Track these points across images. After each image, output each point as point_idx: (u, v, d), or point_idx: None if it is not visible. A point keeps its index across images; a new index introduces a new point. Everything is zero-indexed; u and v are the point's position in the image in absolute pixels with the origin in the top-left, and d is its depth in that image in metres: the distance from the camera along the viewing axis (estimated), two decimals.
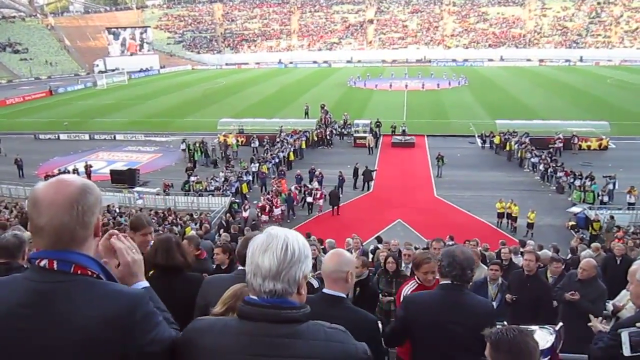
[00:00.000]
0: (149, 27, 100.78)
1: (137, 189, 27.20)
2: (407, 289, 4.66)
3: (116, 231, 1.99)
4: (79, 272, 1.68)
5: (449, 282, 3.35)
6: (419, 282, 4.56)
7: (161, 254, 3.51)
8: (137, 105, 52.38)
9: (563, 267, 7.63)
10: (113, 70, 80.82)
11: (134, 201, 25.48)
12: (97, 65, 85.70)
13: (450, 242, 12.93)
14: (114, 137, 39.28)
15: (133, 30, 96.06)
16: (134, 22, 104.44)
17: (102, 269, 1.77)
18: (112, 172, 28.96)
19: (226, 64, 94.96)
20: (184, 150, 32.90)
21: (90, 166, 29.49)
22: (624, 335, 1.61)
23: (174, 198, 25.43)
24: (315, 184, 24.90)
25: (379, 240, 14.93)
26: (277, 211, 22.73)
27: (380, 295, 6.57)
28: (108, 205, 22.66)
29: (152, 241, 4.50)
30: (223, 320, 1.85)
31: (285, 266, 1.72)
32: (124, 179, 28.10)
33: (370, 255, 11.79)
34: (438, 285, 3.46)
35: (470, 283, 4.46)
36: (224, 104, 51.04)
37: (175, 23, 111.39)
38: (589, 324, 3.60)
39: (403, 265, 7.97)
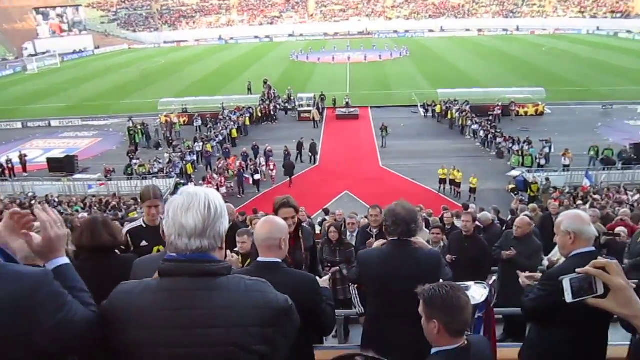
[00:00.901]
0: (81, 5, 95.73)
1: (77, 176, 26.21)
2: None
3: (18, 209, 1.88)
4: None
5: (396, 238, 3.39)
6: None
7: (87, 235, 3.38)
8: (72, 89, 49.97)
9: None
10: (44, 53, 76.53)
11: (74, 190, 24.55)
12: (26, 49, 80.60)
13: None
14: (49, 123, 37.39)
15: (64, 10, 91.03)
16: (64, 1, 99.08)
17: None
18: (49, 160, 27.50)
19: (164, 42, 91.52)
20: (130, 127, 31.72)
21: (25, 155, 27.89)
22: (566, 282, 1.64)
23: (117, 183, 24.68)
24: (262, 161, 24.79)
25: (326, 212, 15.03)
26: (222, 190, 22.46)
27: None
28: (46, 196, 21.77)
29: (160, 215, 4.34)
30: (145, 281, 1.84)
31: (211, 222, 1.76)
32: (62, 166, 26.85)
33: (318, 228, 11.87)
34: (387, 242, 3.50)
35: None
36: (164, 83, 49.52)
37: (109, 0, 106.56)
38: (519, 279, 3.71)
39: (348, 234, 8.03)
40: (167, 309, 1.70)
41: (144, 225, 4.37)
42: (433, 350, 2.37)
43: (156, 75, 55.47)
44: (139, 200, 20.68)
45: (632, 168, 23.49)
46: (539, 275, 3.67)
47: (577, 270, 1.64)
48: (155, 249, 4.11)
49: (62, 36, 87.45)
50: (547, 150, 25.15)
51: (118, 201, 21.14)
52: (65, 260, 1.87)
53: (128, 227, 4.50)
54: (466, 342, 2.34)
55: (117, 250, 3.69)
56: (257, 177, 23.64)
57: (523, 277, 3.61)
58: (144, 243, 4.18)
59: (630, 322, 1.62)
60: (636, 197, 17.79)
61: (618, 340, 3.39)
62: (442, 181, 22.55)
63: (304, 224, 4.27)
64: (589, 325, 3.07)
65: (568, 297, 1.65)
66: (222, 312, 1.71)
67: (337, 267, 6.56)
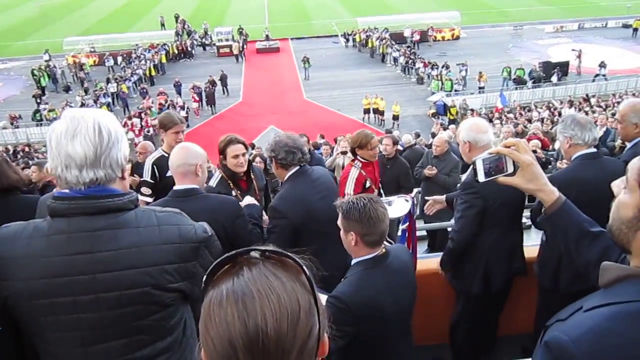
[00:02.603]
0: None
1: None
2: (354, 174, 4.81)
3: None
4: None
5: (297, 167, 3.25)
6: (362, 160, 4.84)
7: None
8: None
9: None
10: None
11: None
12: None
13: (321, 141, 13.27)
14: None
15: None
16: None
17: None
18: None
19: None
20: (34, 70, 29.18)
21: None
22: (479, 162, 1.69)
23: (26, 130, 23.26)
24: (180, 100, 24.04)
25: (252, 146, 14.90)
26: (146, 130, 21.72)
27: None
28: None
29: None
30: (32, 223, 1.58)
31: (104, 149, 1.52)
32: None
33: None
34: (289, 177, 3.26)
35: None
36: (68, 21, 45.65)
37: None
38: (430, 207, 3.84)
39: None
40: (64, 254, 1.49)
41: (167, 155, 3.94)
42: (353, 261, 2.42)
43: (57, 12, 50.90)
44: None
45: (541, 86, 24.76)
46: (441, 197, 3.84)
47: (489, 150, 1.71)
48: None
49: None
50: (463, 73, 25.87)
51: (28, 149, 19.95)
52: None
53: (151, 158, 4.26)
54: (384, 250, 2.40)
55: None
56: (182, 113, 22.98)
57: (431, 201, 3.76)
58: (169, 173, 3.47)
59: (535, 196, 1.76)
60: (545, 113, 18.81)
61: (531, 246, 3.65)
62: (367, 111, 22.78)
63: (253, 164, 4.05)
64: (509, 225, 3.32)
65: (480, 177, 1.72)
66: (132, 252, 1.53)
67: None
